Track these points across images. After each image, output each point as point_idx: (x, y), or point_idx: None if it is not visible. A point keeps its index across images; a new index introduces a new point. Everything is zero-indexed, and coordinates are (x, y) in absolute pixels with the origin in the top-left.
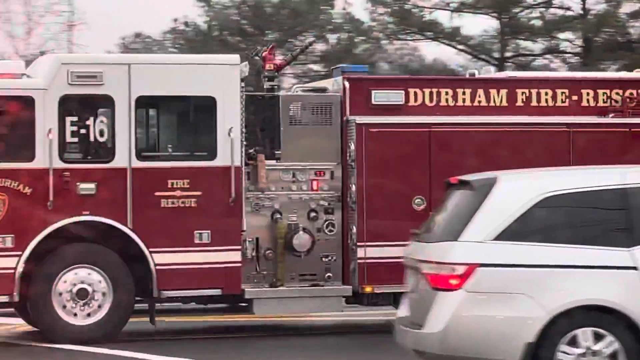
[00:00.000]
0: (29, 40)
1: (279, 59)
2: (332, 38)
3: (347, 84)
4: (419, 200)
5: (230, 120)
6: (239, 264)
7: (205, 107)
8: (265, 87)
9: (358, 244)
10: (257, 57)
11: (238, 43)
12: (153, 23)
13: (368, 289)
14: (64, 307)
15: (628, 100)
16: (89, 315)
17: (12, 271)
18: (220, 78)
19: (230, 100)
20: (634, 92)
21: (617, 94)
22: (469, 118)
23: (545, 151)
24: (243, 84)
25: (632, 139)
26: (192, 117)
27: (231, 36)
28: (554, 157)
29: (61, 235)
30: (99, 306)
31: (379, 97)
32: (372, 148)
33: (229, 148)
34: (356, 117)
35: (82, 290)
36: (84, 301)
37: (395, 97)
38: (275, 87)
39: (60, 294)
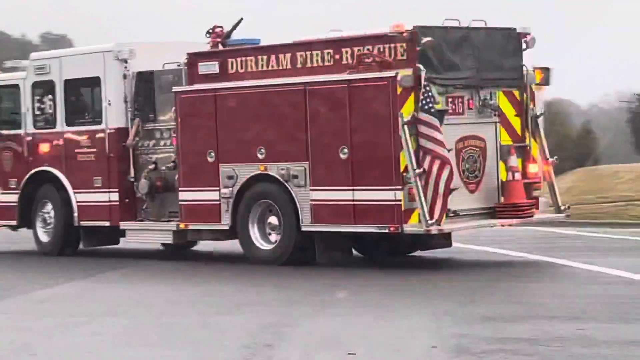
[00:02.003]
0: None
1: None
2: None
3: (185, 58)
4: (212, 153)
5: (110, 93)
6: (117, 203)
7: (96, 84)
8: None
9: (179, 188)
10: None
11: None
12: None
13: (182, 226)
14: None
15: (362, 56)
16: None
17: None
18: (102, 62)
19: (110, 78)
20: (381, 47)
21: (369, 49)
22: (247, 82)
23: (291, 110)
24: (126, 64)
25: (348, 94)
26: (91, 92)
27: None
28: (296, 116)
29: (35, 179)
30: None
31: (202, 68)
32: (181, 111)
33: (110, 115)
34: (180, 86)
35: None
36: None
37: (212, 67)
38: None
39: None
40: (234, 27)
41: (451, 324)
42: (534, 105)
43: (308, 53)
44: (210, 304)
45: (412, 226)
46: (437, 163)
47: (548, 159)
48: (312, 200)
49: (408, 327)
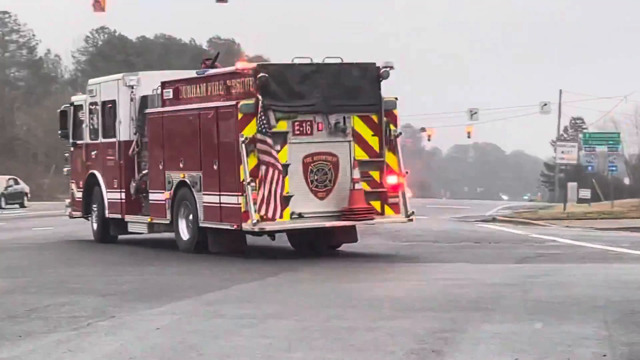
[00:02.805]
0: None
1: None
2: None
3: (158, 86)
4: (162, 163)
5: (122, 112)
6: (124, 200)
7: (115, 106)
8: None
9: (148, 190)
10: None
11: None
12: None
13: (149, 220)
14: None
15: (228, 87)
16: None
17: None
18: (116, 88)
19: (122, 101)
20: (243, 80)
21: (237, 82)
22: (175, 107)
23: (193, 129)
24: (132, 90)
25: (216, 118)
26: (113, 111)
27: None
28: (194, 134)
29: (90, 180)
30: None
31: (165, 94)
32: (149, 129)
33: (121, 130)
34: (150, 108)
35: None
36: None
37: (170, 93)
38: None
39: None
40: (215, 59)
41: (622, 333)
42: (395, 126)
43: (213, 83)
44: (378, 308)
45: (248, 225)
46: (270, 172)
47: (402, 172)
48: (203, 202)
49: (577, 334)
